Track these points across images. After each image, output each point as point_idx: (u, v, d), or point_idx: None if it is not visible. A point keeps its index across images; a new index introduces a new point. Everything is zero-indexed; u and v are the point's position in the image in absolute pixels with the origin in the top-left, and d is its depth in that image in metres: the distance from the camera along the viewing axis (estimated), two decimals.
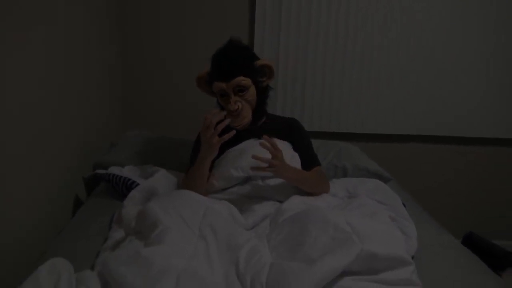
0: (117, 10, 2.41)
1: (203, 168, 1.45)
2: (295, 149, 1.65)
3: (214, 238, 1.04)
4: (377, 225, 1.22)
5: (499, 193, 2.85)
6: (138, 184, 1.54)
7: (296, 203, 1.44)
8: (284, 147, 1.57)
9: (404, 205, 1.60)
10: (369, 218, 1.31)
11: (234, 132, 1.34)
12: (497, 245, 2.72)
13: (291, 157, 1.58)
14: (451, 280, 1.20)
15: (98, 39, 2.09)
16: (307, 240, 1.06)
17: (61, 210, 1.65)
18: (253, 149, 1.42)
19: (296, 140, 1.68)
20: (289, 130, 1.69)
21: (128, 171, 1.69)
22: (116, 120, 2.45)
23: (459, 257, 1.36)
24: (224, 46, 1.57)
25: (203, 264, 0.95)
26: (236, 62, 1.49)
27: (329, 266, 0.95)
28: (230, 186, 1.51)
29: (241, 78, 1.49)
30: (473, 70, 2.55)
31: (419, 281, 1.06)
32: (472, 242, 2.74)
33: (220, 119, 1.36)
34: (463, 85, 2.57)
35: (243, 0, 2.43)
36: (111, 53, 2.33)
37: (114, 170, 1.67)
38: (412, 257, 1.28)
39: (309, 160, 1.65)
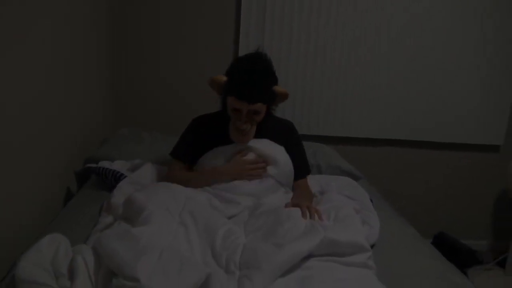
0: (114, 10, 2.50)
1: (204, 184, 1.55)
2: (287, 151, 1.72)
3: (193, 223, 1.16)
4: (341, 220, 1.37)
5: (468, 196, 3.01)
6: (126, 177, 1.66)
7: (274, 199, 1.58)
8: (280, 150, 1.68)
9: (372, 201, 1.75)
10: (335, 210, 1.46)
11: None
12: (464, 244, 2.88)
13: (287, 160, 1.68)
14: (406, 263, 1.34)
15: (92, 39, 2.19)
16: (279, 229, 1.19)
17: (53, 202, 1.73)
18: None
19: (290, 144, 1.74)
20: (284, 133, 1.76)
21: (117, 165, 1.80)
22: (108, 119, 2.55)
23: (414, 246, 1.51)
24: (251, 65, 1.51)
25: (184, 244, 1.07)
26: (260, 89, 1.49)
27: (296, 249, 1.07)
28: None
29: (260, 105, 1.52)
30: (457, 79, 2.70)
31: (374, 266, 1.20)
32: (441, 241, 2.90)
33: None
34: (446, 94, 2.72)
35: (230, 6, 2.54)
36: (104, 53, 2.43)
37: (104, 164, 1.79)
38: (374, 245, 1.43)
39: (302, 167, 1.76)
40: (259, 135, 1.68)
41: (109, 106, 2.55)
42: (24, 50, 1.42)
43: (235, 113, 1.56)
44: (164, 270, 0.85)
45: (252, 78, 1.48)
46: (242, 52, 2.43)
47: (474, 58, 2.68)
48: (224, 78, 1.57)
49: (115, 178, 1.67)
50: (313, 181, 1.86)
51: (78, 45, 1.98)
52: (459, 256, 2.77)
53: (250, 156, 1.64)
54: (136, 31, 2.54)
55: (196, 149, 1.71)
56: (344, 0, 2.51)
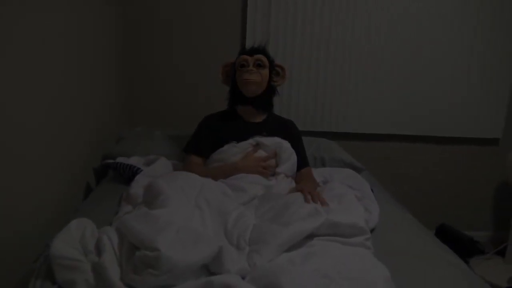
0: (125, 12, 2.62)
1: (222, 177, 1.67)
2: (291, 145, 1.87)
3: (207, 206, 1.26)
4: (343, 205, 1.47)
5: (469, 189, 3.08)
6: (142, 170, 1.77)
7: (282, 186, 1.68)
8: (288, 146, 1.83)
9: (372, 190, 1.84)
10: (338, 198, 1.55)
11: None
12: (466, 235, 2.95)
13: (291, 153, 1.83)
14: (404, 245, 1.43)
15: (105, 44, 2.31)
16: (285, 212, 1.28)
17: (74, 196, 1.84)
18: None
19: (292, 139, 1.90)
20: (288, 130, 1.95)
21: (133, 160, 1.91)
22: (122, 119, 2.67)
23: (412, 229, 1.59)
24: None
25: (198, 224, 1.18)
26: (260, 47, 1.90)
27: (300, 227, 1.17)
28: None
29: (262, 56, 1.84)
30: (456, 76, 2.79)
31: (372, 247, 1.29)
32: (443, 232, 2.97)
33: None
34: (445, 90, 2.81)
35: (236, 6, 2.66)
36: (115, 57, 2.54)
37: (121, 159, 1.90)
38: (373, 229, 1.52)
39: (302, 161, 1.91)
40: (266, 132, 1.85)
41: (122, 107, 2.67)
42: (43, 54, 1.49)
43: (242, 70, 1.84)
44: (181, 243, 0.95)
45: (254, 46, 1.92)
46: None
47: (472, 54, 2.76)
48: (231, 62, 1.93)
49: (132, 172, 1.77)
50: (317, 173, 1.96)
51: (92, 50, 2.09)
52: (461, 246, 2.84)
53: (260, 153, 1.79)
54: (149, 31, 2.65)
55: (208, 144, 1.85)
56: None
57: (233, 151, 1.80)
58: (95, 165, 2.12)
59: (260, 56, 1.84)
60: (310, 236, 1.20)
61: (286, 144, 1.84)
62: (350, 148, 2.47)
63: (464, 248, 2.85)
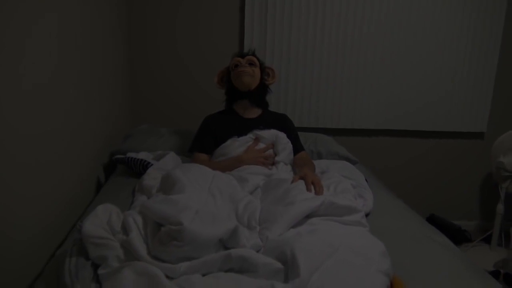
0: (132, 13, 2.73)
1: (229, 169, 1.80)
2: (286, 135, 2.04)
3: (220, 194, 1.37)
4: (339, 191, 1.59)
5: (457, 181, 3.21)
6: (152, 164, 1.88)
7: (282, 174, 1.81)
8: (283, 137, 1.98)
9: (366, 180, 1.96)
10: (334, 185, 1.68)
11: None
12: (454, 224, 3.09)
13: (287, 143, 1.99)
14: (395, 227, 1.55)
15: (113, 46, 2.41)
16: (289, 195, 1.40)
17: (86, 190, 1.93)
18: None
19: (287, 129, 2.07)
20: (283, 123, 2.11)
21: (142, 155, 2.01)
22: (129, 117, 2.79)
23: (403, 214, 1.72)
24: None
25: (213, 209, 1.29)
26: (250, 51, 2.11)
27: (302, 207, 1.29)
28: None
29: (253, 57, 2.03)
30: (442, 73, 2.93)
31: (367, 224, 1.41)
32: (433, 222, 3.10)
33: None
34: (426, 87, 2.94)
35: (234, 8, 2.78)
36: (125, 57, 2.65)
37: (131, 154, 2.00)
38: (368, 214, 1.65)
39: (297, 147, 2.08)
40: (263, 125, 2.01)
41: (129, 106, 2.78)
42: (58, 55, 1.58)
43: (236, 68, 2.01)
44: (201, 220, 1.06)
45: (244, 51, 2.15)
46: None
47: (457, 52, 2.90)
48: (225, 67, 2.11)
49: (142, 166, 1.88)
50: (315, 165, 2.08)
51: (101, 53, 2.19)
52: (450, 235, 2.96)
53: (260, 146, 1.94)
54: (153, 35, 2.77)
55: (211, 141, 2.00)
56: None
57: (235, 145, 1.94)
58: (104, 161, 2.22)
59: (251, 57, 2.04)
60: (310, 216, 1.32)
61: (281, 135, 2.00)
62: (342, 143, 2.59)
63: (452, 236, 2.97)
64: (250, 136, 1.98)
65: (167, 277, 0.97)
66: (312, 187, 1.52)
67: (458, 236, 3.02)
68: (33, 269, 1.33)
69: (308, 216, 1.31)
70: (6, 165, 1.17)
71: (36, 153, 1.36)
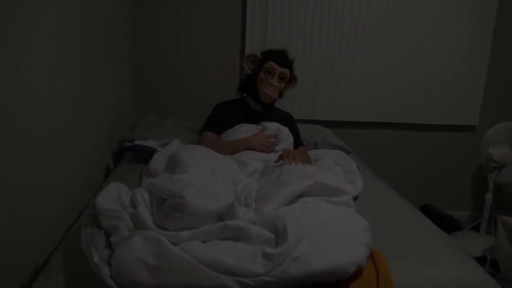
0: (136, 7, 2.84)
1: (235, 150, 1.92)
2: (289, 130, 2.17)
3: (221, 175, 1.48)
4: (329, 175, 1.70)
5: (449, 172, 3.32)
6: (158, 151, 1.99)
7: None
8: (285, 130, 2.11)
9: (358, 168, 2.07)
10: (326, 170, 1.79)
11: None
12: (446, 213, 3.20)
13: (288, 135, 2.11)
14: (383, 211, 1.66)
15: (118, 38, 2.53)
16: (282, 178, 1.51)
17: (97, 175, 2.06)
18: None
19: (290, 126, 2.19)
20: (287, 120, 2.24)
21: (149, 143, 2.13)
22: (135, 109, 2.91)
23: (390, 199, 1.84)
24: (283, 49, 2.14)
25: (214, 187, 1.41)
26: (289, 61, 2.10)
27: (296, 187, 1.40)
28: None
29: (287, 70, 2.06)
30: (435, 67, 3.03)
31: (354, 206, 1.52)
32: (426, 212, 3.20)
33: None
34: (419, 82, 3.05)
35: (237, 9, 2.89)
36: (130, 50, 2.77)
37: (139, 142, 2.12)
38: (357, 197, 1.76)
39: (298, 142, 2.21)
40: (269, 119, 2.15)
41: (135, 99, 2.90)
42: (72, 49, 1.73)
43: (266, 76, 2.04)
44: (202, 196, 1.18)
45: (285, 53, 2.10)
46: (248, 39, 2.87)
47: (450, 47, 2.99)
48: (260, 55, 2.09)
49: (149, 152, 2.00)
50: (310, 154, 2.19)
51: (110, 49, 2.31)
52: (442, 224, 3.07)
53: (266, 132, 2.08)
54: (156, 33, 2.89)
55: (221, 124, 2.13)
56: None
57: (242, 130, 2.08)
58: (113, 149, 2.34)
59: (286, 70, 2.05)
60: (302, 196, 1.43)
61: (283, 128, 2.12)
62: (337, 135, 2.69)
63: (444, 225, 3.09)
64: (257, 126, 2.12)
65: (171, 243, 1.08)
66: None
67: (450, 225, 3.12)
68: (52, 242, 1.45)
69: (301, 196, 1.43)
70: (33, 154, 1.30)
71: (55, 143, 1.49)
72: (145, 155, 2.03)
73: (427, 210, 3.21)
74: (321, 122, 2.93)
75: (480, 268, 1.31)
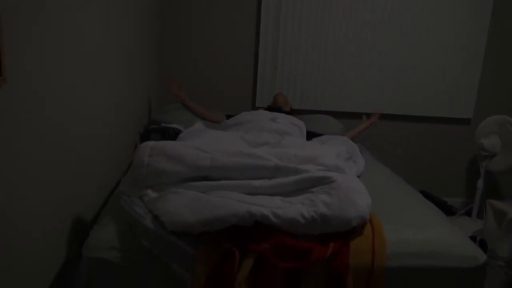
0: (162, 10, 3.07)
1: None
2: None
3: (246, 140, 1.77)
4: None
5: (445, 162, 3.49)
6: (182, 132, 2.21)
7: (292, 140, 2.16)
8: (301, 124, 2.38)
9: (361, 152, 2.29)
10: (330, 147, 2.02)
11: None
12: (441, 199, 3.39)
13: (302, 126, 2.40)
14: (382, 185, 1.88)
15: (145, 38, 2.75)
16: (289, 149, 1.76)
17: (127, 154, 2.30)
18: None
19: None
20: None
21: (174, 125, 2.36)
22: (160, 96, 3.16)
23: (387, 176, 2.06)
24: None
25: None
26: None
27: (301, 154, 1.64)
28: None
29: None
30: (432, 61, 3.18)
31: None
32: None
33: None
34: (417, 75, 3.21)
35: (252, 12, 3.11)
36: (156, 46, 3.00)
37: (165, 124, 2.35)
38: (359, 176, 1.97)
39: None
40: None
41: (159, 88, 3.14)
42: (107, 52, 1.95)
43: None
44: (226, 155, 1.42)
45: None
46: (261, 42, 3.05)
47: (446, 43, 3.14)
48: None
49: (175, 133, 2.22)
50: (316, 139, 2.41)
51: (141, 46, 2.53)
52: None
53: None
54: (182, 21, 3.10)
55: None
56: None
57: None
58: (140, 131, 2.57)
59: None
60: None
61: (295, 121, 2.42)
62: (344, 125, 2.91)
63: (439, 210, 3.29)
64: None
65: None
66: None
67: (444, 210, 3.29)
68: (95, 206, 1.70)
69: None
70: (77, 136, 1.49)
71: (95, 126, 1.71)
72: (170, 136, 2.25)
73: (423, 196, 3.39)
74: (324, 112, 3.12)
75: (459, 230, 1.52)
